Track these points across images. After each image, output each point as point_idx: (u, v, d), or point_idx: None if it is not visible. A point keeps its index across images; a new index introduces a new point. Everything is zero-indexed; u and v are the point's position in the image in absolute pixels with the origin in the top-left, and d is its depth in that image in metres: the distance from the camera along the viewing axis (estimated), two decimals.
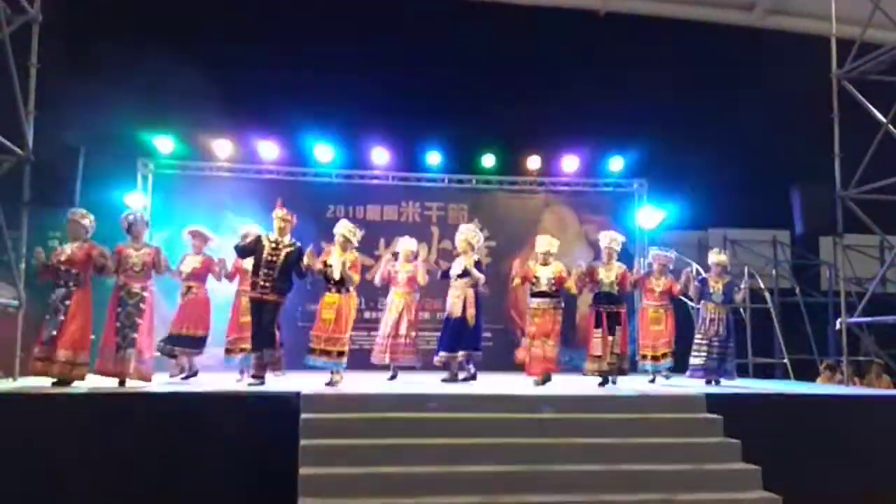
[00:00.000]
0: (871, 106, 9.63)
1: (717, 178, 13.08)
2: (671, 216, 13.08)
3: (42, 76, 8.50)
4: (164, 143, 11.88)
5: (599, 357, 8.21)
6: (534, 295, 8.36)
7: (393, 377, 8.48)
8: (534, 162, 12.94)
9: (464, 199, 12.91)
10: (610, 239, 8.67)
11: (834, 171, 9.75)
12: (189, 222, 8.86)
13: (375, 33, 12.52)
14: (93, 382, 7.21)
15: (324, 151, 12.33)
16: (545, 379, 8.13)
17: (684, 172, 12.84)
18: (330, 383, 7.51)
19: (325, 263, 7.69)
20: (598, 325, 8.30)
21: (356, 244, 8.02)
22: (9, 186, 8.26)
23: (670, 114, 12.43)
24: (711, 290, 8.93)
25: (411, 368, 8.64)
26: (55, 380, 7.08)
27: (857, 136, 9.75)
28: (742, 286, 9.10)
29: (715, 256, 9.22)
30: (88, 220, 7.69)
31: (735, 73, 12.84)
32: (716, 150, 12.55)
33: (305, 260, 7.53)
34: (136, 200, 11.51)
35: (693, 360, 8.81)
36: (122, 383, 7.20)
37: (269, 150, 12.23)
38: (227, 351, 8.25)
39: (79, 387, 7.01)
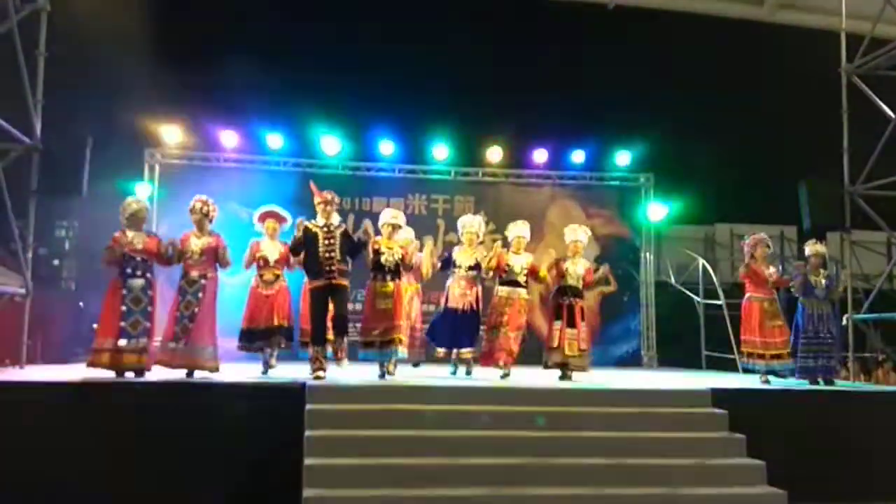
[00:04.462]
0: (880, 101, 9.59)
1: (725, 172, 13.06)
2: (678, 211, 13.06)
3: (50, 65, 8.51)
4: (171, 133, 11.90)
5: (557, 348, 7.92)
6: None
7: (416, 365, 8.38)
8: (540, 155, 12.92)
9: (470, 191, 12.91)
10: (575, 232, 8.30)
11: (842, 167, 9.72)
12: None
13: (382, 26, 12.52)
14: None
15: (330, 143, 12.33)
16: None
17: (691, 167, 12.82)
18: (382, 376, 7.45)
19: (376, 252, 7.49)
20: (558, 317, 8.02)
21: (403, 226, 7.82)
22: (16, 175, 8.29)
23: (678, 108, 12.41)
24: (814, 285, 8.20)
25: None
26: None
27: (866, 132, 9.72)
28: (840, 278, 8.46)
29: (813, 247, 8.40)
30: (147, 208, 7.55)
31: (744, 67, 12.82)
32: (723, 144, 12.52)
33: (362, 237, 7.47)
34: (143, 190, 11.54)
35: (806, 362, 8.07)
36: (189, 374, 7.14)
37: (275, 141, 12.23)
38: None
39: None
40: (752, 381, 8.31)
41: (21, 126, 8.17)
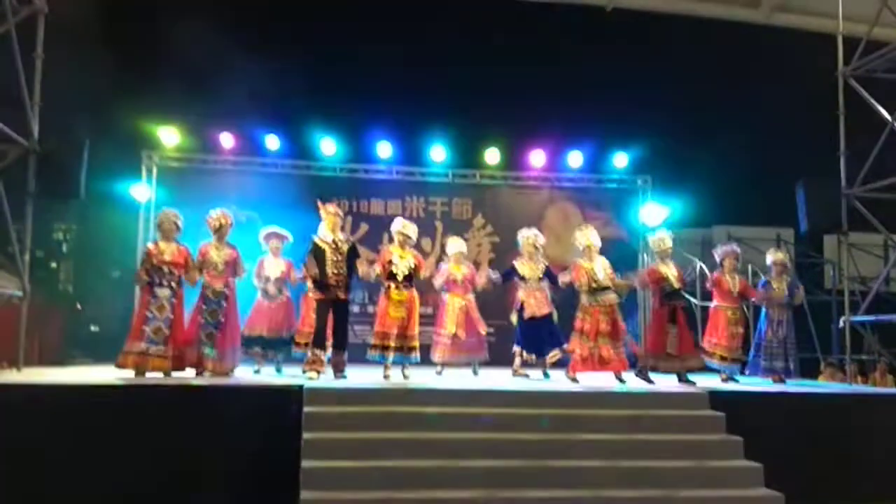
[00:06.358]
0: (876, 104, 9.61)
1: (722, 175, 13.07)
2: (675, 213, 13.06)
3: (47, 67, 8.51)
4: (169, 135, 11.89)
5: (676, 356, 8.11)
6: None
7: (439, 373, 8.79)
8: (538, 157, 12.93)
9: (468, 194, 12.89)
10: (667, 238, 8.47)
11: (839, 169, 9.73)
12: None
13: (380, 28, 12.51)
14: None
15: (328, 145, 12.33)
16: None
17: (689, 169, 12.83)
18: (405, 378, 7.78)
19: (389, 262, 7.76)
20: (673, 321, 8.16)
21: (414, 241, 8.13)
22: (14, 177, 8.28)
23: (675, 110, 12.41)
24: (775, 292, 8.68)
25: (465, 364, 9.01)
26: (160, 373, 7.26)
27: (863, 134, 9.74)
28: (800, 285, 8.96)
29: (774, 255, 8.96)
30: (181, 221, 7.79)
31: (741, 69, 12.82)
32: (720, 147, 12.53)
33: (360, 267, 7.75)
34: (141, 193, 11.53)
35: (764, 363, 8.60)
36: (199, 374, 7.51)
37: (273, 143, 12.23)
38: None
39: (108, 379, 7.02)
40: (749, 384, 8.34)
41: (19, 128, 8.15)
